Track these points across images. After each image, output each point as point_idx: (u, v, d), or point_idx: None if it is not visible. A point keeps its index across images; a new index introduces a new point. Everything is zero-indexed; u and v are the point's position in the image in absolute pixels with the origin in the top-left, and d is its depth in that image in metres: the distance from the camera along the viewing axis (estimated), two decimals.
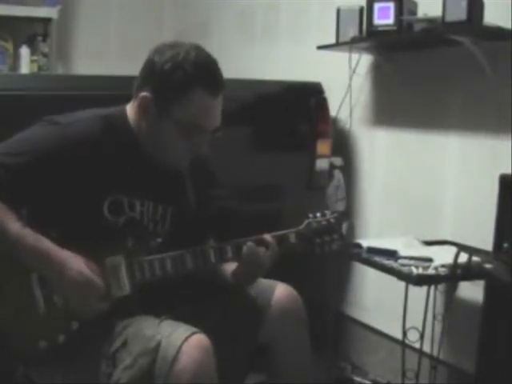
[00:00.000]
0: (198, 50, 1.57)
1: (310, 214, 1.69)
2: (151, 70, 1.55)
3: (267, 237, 1.64)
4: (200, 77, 1.52)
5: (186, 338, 1.41)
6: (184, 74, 1.51)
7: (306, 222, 1.68)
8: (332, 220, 1.69)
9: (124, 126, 1.60)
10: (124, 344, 1.47)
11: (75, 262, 1.47)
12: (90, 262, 1.49)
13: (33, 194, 1.51)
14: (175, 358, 1.39)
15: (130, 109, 1.61)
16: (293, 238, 1.66)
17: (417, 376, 2.16)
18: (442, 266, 2.04)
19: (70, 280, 1.45)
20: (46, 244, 1.46)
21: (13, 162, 1.49)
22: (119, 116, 1.61)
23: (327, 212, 1.70)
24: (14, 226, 1.45)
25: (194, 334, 1.43)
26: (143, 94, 1.55)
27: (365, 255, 2.21)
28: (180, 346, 1.39)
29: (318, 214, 1.69)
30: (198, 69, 1.52)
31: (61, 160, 1.50)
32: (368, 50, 2.72)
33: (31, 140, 1.54)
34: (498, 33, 2.15)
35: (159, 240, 1.65)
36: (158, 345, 1.41)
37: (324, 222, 1.68)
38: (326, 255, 1.71)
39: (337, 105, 2.89)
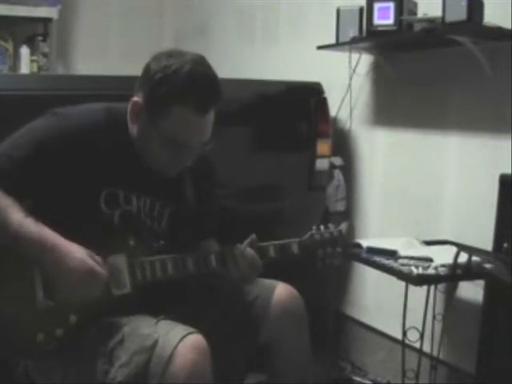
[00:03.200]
0: (196, 63, 1.52)
1: (314, 226, 1.68)
2: (145, 77, 1.55)
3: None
4: (187, 94, 1.49)
5: (182, 338, 1.40)
6: (170, 88, 1.49)
7: (309, 233, 1.67)
8: (335, 233, 1.68)
9: (124, 123, 1.60)
10: (121, 342, 1.46)
11: (77, 251, 1.47)
12: (92, 252, 1.49)
13: (36, 186, 1.52)
14: (171, 358, 1.38)
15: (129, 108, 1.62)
16: (295, 248, 1.65)
17: (417, 376, 2.16)
18: (442, 265, 2.04)
19: (72, 268, 1.45)
20: (49, 233, 1.46)
21: (16, 154, 1.50)
22: (122, 112, 1.61)
23: (331, 225, 1.69)
24: (17, 215, 1.45)
25: (190, 334, 1.42)
26: (135, 99, 1.56)
27: (365, 255, 2.21)
28: (176, 346, 1.39)
29: (322, 227, 1.68)
30: (186, 85, 1.49)
31: (61, 151, 1.51)
32: (368, 49, 2.72)
33: (33, 132, 1.55)
34: (498, 33, 2.15)
35: (162, 242, 1.65)
36: (155, 343, 1.41)
37: (327, 235, 1.67)
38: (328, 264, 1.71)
39: (337, 105, 2.89)
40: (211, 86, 1.53)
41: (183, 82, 1.49)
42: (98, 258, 1.49)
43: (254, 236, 1.65)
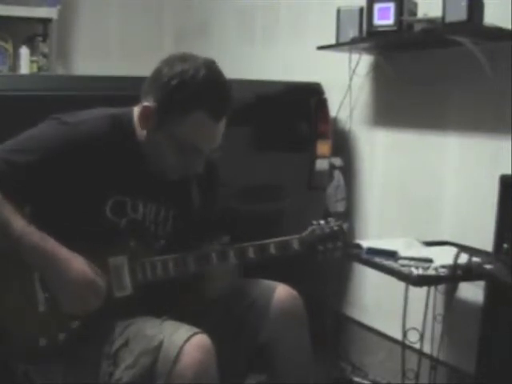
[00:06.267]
0: (210, 68, 1.53)
1: (314, 221, 1.67)
2: (158, 81, 1.53)
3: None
4: (204, 100, 1.50)
5: (188, 338, 1.41)
6: (189, 95, 1.49)
7: (309, 228, 1.66)
8: (336, 228, 1.67)
9: (129, 129, 1.60)
10: (126, 343, 1.47)
11: (78, 263, 1.47)
12: (92, 264, 1.49)
13: (37, 193, 1.51)
14: (177, 358, 1.39)
15: (137, 112, 1.61)
16: (296, 245, 1.64)
17: (417, 376, 2.17)
18: (442, 266, 2.04)
19: (71, 279, 1.46)
20: (51, 243, 1.46)
21: (19, 160, 1.49)
22: (126, 118, 1.61)
23: (331, 220, 1.69)
24: (20, 223, 1.45)
25: (195, 334, 1.43)
26: (146, 104, 1.55)
27: (365, 256, 2.20)
28: (182, 346, 1.40)
29: (322, 222, 1.67)
30: (203, 91, 1.50)
31: (67, 160, 1.51)
32: (368, 50, 2.72)
33: (39, 138, 1.53)
34: (498, 33, 2.15)
35: (162, 242, 1.65)
36: (160, 344, 1.42)
37: (327, 230, 1.66)
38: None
39: (337, 105, 2.89)
40: (226, 92, 1.55)
41: (201, 88, 1.50)
42: (97, 270, 1.50)
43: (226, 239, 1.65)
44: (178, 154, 1.55)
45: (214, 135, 1.56)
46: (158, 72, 1.55)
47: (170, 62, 1.54)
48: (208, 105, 1.50)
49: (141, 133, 1.59)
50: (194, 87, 1.49)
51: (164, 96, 1.52)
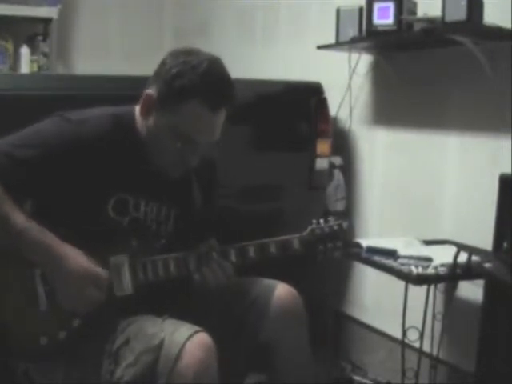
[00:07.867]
0: (214, 63, 1.55)
1: (314, 220, 1.68)
2: (160, 71, 1.56)
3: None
4: (202, 89, 1.50)
5: (190, 337, 1.42)
6: (186, 82, 1.50)
7: (309, 228, 1.67)
8: (335, 227, 1.68)
9: (131, 127, 1.61)
10: (127, 342, 1.47)
11: (79, 257, 1.47)
12: (91, 258, 1.49)
13: (37, 189, 1.52)
14: (178, 356, 1.40)
15: (138, 110, 1.61)
16: (296, 244, 1.66)
17: (416, 375, 2.17)
18: (442, 265, 2.04)
19: (72, 272, 1.46)
20: (50, 238, 1.47)
21: (21, 154, 1.49)
22: (128, 116, 1.62)
23: (331, 219, 1.70)
24: (20, 217, 1.45)
25: (197, 332, 1.44)
26: (148, 91, 1.56)
27: (364, 255, 2.20)
28: (183, 344, 1.40)
29: (322, 221, 1.68)
30: (202, 80, 1.50)
31: (69, 157, 1.51)
32: (368, 49, 2.72)
33: (42, 134, 1.54)
34: (498, 33, 2.15)
35: (163, 241, 1.66)
36: (162, 343, 1.42)
37: (327, 229, 1.68)
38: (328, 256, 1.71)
39: (337, 105, 2.89)
40: (226, 85, 1.55)
41: (200, 78, 1.50)
42: (97, 264, 1.50)
43: (213, 242, 1.65)
44: (175, 143, 1.55)
45: (210, 127, 1.56)
46: (162, 62, 1.57)
47: (174, 54, 1.56)
48: (205, 94, 1.50)
49: (143, 130, 1.60)
50: (193, 76, 1.50)
51: (164, 84, 1.53)
